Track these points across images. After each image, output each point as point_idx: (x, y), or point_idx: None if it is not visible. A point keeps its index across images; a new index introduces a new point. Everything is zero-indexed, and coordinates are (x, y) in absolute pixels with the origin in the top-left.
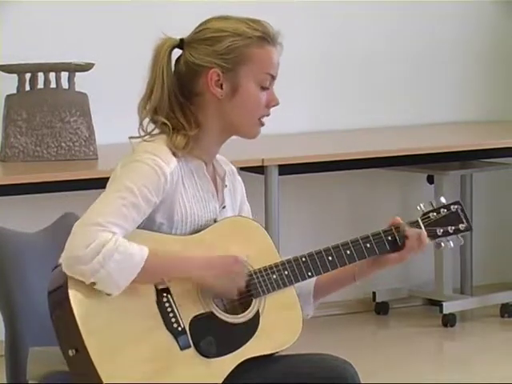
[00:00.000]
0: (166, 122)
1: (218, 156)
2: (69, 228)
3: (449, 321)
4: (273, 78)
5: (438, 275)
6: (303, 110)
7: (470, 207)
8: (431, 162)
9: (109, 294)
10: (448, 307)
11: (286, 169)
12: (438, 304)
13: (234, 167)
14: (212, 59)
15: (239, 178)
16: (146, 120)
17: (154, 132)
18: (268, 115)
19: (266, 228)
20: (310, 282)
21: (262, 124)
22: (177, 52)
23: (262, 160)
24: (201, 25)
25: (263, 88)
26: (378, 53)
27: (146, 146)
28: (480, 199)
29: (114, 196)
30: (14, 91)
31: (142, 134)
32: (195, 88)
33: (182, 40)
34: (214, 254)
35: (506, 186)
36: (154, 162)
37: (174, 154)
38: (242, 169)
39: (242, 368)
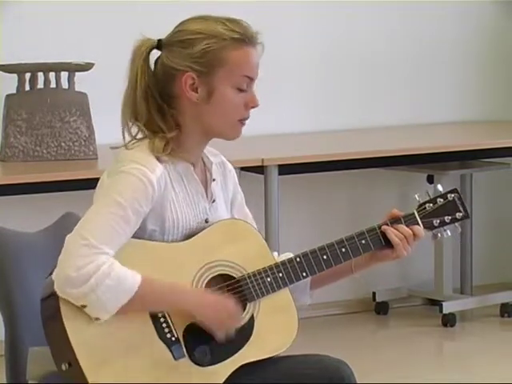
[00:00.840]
0: (146, 125)
1: (207, 148)
2: (69, 228)
3: (449, 321)
4: (251, 79)
5: (438, 275)
6: (303, 109)
7: (470, 207)
8: (431, 162)
9: (97, 319)
10: (448, 307)
11: (285, 169)
12: (437, 304)
13: (223, 157)
14: (186, 63)
15: (229, 166)
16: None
17: (138, 136)
18: (247, 117)
19: (266, 228)
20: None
21: (242, 125)
22: (156, 52)
23: (262, 160)
24: (178, 25)
25: (240, 90)
26: (377, 53)
27: (130, 154)
28: (480, 199)
29: (104, 212)
30: (14, 91)
31: (127, 137)
32: (172, 91)
33: (159, 41)
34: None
35: (506, 186)
36: (140, 171)
37: (159, 160)
38: (242, 169)
39: (240, 370)
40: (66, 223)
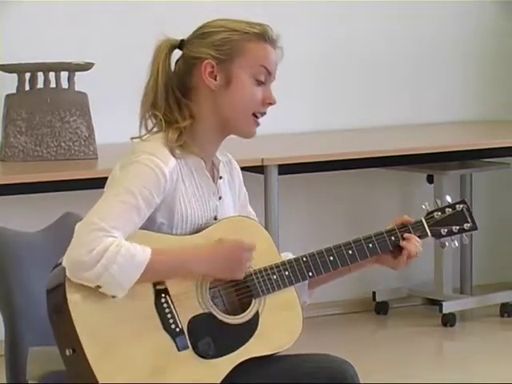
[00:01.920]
0: (162, 117)
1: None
2: (69, 228)
3: (448, 320)
4: (269, 73)
5: (438, 275)
6: (303, 109)
7: (470, 207)
8: (431, 162)
9: (114, 296)
10: (448, 307)
11: (285, 168)
12: (437, 304)
13: (229, 155)
14: (206, 50)
15: (236, 164)
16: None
17: (154, 130)
18: (263, 113)
19: (266, 227)
20: None
21: (258, 123)
22: (178, 53)
23: (262, 160)
24: (201, 25)
25: (258, 82)
26: (377, 53)
27: (144, 146)
28: (480, 199)
29: (115, 199)
30: (14, 91)
31: (143, 131)
32: (191, 81)
33: (182, 40)
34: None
35: (506, 186)
36: (153, 162)
37: (172, 153)
38: (242, 168)
39: (242, 368)
40: (66, 223)
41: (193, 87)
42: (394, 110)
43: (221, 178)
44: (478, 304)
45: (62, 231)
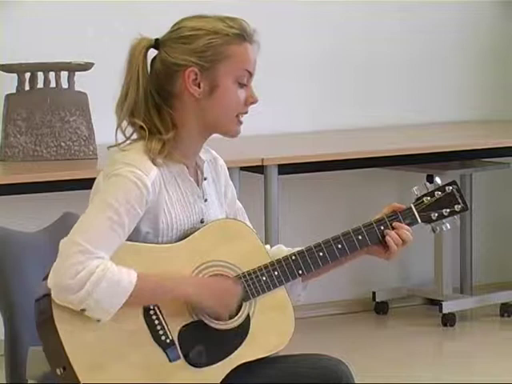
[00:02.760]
0: (143, 125)
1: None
2: (69, 228)
3: (448, 320)
4: (250, 74)
5: (438, 275)
6: (303, 109)
7: (470, 207)
8: (431, 162)
9: (98, 320)
10: (447, 307)
11: (285, 168)
12: (437, 303)
13: (214, 153)
14: (189, 58)
15: (221, 161)
16: (125, 123)
17: (133, 137)
18: (246, 113)
19: (266, 227)
20: None
21: (241, 122)
22: (153, 52)
23: (262, 160)
24: (176, 24)
25: (241, 85)
26: (377, 53)
27: (125, 156)
28: (480, 199)
29: (98, 216)
30: (14, 91)
31: (121, 137)
32: (173, 88)
33: (157, 40)
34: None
35: (506, 186)
36: (135, 174)
37: (154, 162)
38: (241, 168)
39: (238, 370)
40: (66, 223)
41: (175, 94)
42: (394, 110)
43: (205, 179)
44: (477, 304)
45: (62, 231)
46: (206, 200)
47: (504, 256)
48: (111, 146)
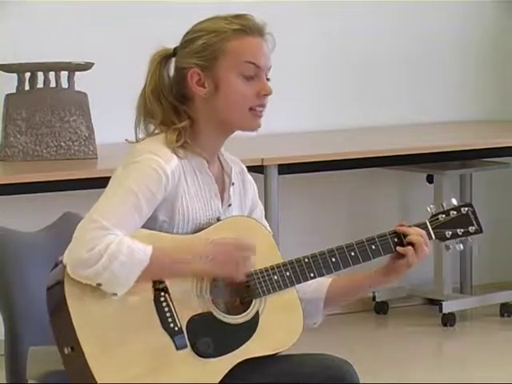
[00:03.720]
0: (160, 123)
1: (227, 154)
2: (69, 228)
3: (448, 320)
4: (257, 67)
5: (438, 274)
6: (303, 109)
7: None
8: (431, 162)
9: (114, 294)
10: (447, 306)
11: (285, 168)
12: (437, 303)
13: (243, 166)
14: (190, 60)
15: (250, 178)
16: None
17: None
18: (261, 105)
19: None
20: (322, 289)
21: (259, 115)
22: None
23: (262, 159)
24: (187, 31)
25: (248, 78)
26: (377, 52)
27: (145, 145)
28: (479, 199)
29: (117, 198)
30: (14, 90)
31: (140, 134)
32: (185, 92)
33: (175, 49)
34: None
35: (506, 186)
36: (155, 161)
37: (175, 153)
38: None
39: (241, 368)
40: (66, 223)
41: (188, 97)
42: (394, 110)
43: (233, 184)
44: (477, 304)
45: (62, 231)
46: (230, 205)
47: (504, 256)
48: (131, 142)
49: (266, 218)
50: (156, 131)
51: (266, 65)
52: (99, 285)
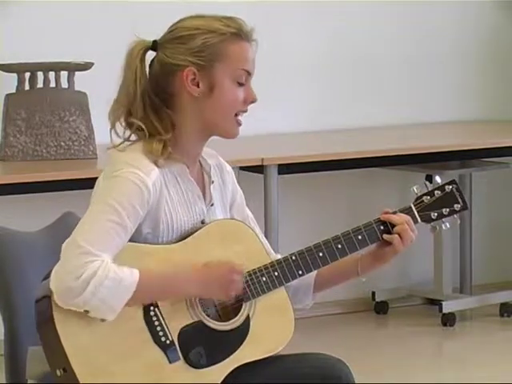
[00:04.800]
0: (141, 125)
1: (204, 150)
2: (69, 228)
3: (448, 320)
4: (249, 74)
5: (438, 274)
6: (303, 109)
7: (470, 206)
8: (430, 162)
9: (103, 320)
10: (447, 306)
11: (285, 168)
12: (437, 303)
13: (221, 159)
14: (187, 57)
15: (228, 167)
16: (118, 125)
17: (131, 138)
18: (245, 111)
19: (266, 227)
20: (311, 275)
21: (240, 123)
22: (151, 54)
23: (262, 159)
24: (173, 25)
25: (240, 84)
26: (377, 53)
27: (125, 157)
28: (479, 199)
29: (101, 218)
30: (14, 90)
31: (116, 138)
32: (171, 89)
33: (154, 42)
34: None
35: (505, 186)
36: (135, 175)
37: (155, 163)
38: (241, 168)
39: (237, 369)
40: (66, 223)
41: (173, 94)
42: (394, 110)
43: (213, 182)
44: (477, 304)
45: (62, 231)
46: (212, 204)
47: (504, 256)
48: (109, 148)
49: (265, 218)
50: (132, 137)
51: (253, 71)
52: (87, 311)
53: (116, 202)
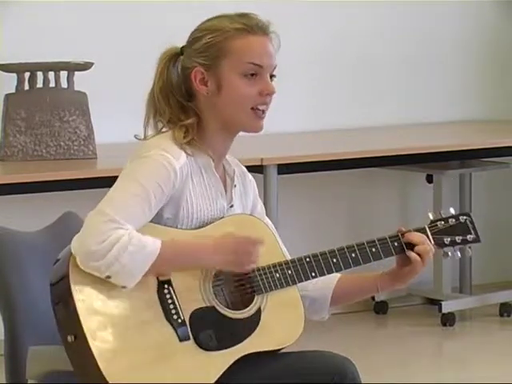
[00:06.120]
0: (168, 121)
1: (228, 157)
2: (69, 227)
3: (448, 320)
4: (259, 66)
5: (437, 274)
6: (302, 109)
7: (469, 206)
8: (430, 161)
9: (124, 287)
10: (447, 306)
11: (285, 168)
12: (437, 303)
13: (244, 168)
14: (194, 59)
15: (250, 177)
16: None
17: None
18: (264, 103)
19: None
20: (329, 288)
21: (260, 116)
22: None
23: (261, 159)
24: (194, 29)
25: (250, 77)
26: (377, 53)
27: (155, 141)
28: (479, 198)
29: (127, 192)
30: (13, 90)
31: (149, 131)
32: (190, 91)
33: (182, 48)
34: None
35: (505, 185)
36: (164, 157)
37: (183, 150)
38: None
39: (242, 365)
40: (66, 223)
41: (193, 96)
42: (394, 110)
43: (235, 186)
44: (477, 303)
45: (62, 231)
46: (232, 206)
47: (503, 256)
48: (138, 137)
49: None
50: (164, 129)
51: (270, 64)
52: (108, 277)
53: (144, 180)
